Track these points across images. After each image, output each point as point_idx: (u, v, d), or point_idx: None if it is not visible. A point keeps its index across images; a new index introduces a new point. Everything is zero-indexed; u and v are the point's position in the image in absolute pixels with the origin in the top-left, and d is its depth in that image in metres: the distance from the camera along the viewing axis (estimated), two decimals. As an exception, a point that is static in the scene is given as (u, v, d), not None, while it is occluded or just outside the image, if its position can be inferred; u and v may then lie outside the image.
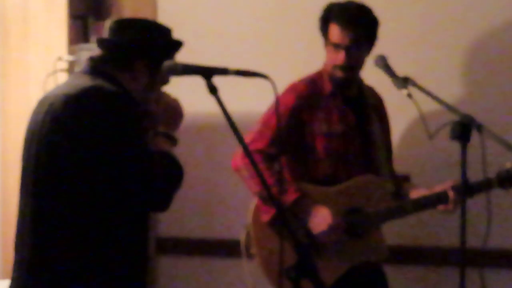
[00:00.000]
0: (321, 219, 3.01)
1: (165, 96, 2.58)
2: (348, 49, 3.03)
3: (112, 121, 2.31)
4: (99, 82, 2.38)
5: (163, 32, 2.52)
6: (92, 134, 2.28)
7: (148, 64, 2.46)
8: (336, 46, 3.04)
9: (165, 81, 2.54)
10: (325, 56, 3.12)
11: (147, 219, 2.47)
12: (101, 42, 2.51)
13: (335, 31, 3.04)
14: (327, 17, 3.08)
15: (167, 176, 2.37)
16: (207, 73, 2.25)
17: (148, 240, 2.49)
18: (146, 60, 2.46)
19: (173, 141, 2.51)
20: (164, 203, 2.39)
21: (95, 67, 2.47)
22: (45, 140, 2.35)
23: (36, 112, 2.44)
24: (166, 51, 2.50)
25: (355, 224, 3.07)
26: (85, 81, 2.39)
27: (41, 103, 2.45)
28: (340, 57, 3.04)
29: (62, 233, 2.31)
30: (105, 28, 2.52)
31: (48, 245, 2.32)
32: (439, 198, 3.04)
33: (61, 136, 2.31)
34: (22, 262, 2.37)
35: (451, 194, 3.00)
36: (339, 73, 3.07)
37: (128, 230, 2.38)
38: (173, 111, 2.56)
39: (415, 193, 3.16)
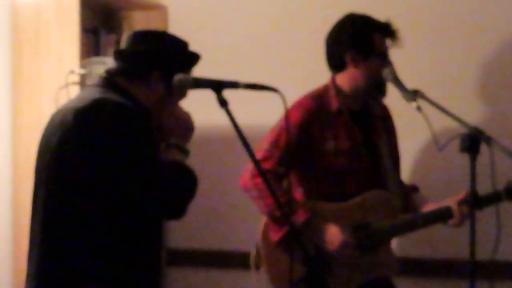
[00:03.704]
0: (331, 237, 3.00)
1: (177, 108, 2.56)
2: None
3: (121, 133, 2.29)
4: (108, 94, 2.38)
5: (180, 44, 2.51)
6: (101, 146, 2.27)
7: (164, 76, 2.43)
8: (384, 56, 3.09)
9: (183, 95, 2.52)
10: (363, 69, 3.08)
11: (160, 231, 2.47)
12: (118, 54, 2.50)
13: (382, 41, 3.09)
14: (369, 29, 3.08)
15: (181, 185, 2.37)
16: (217, 86, 2.27)
17: (161, 252, 2.48)
18: (162, 71, 2.44)
19: (185, 152, 2.50)
20: (179, 211, 2.38)
21: (107, 79, 2.46)
22: (56, 153, 2.35)
23: (48, 127, 2.45)
24: (183, 63, 2.49)
25: (363, 240, 3.07)
26: (95, 94, 2.39)
27: (53, 117, 2.46)
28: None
29: (72, 246, 2.30)
30: (122, 39, 2.52)
31: (57, 258, 2.31)
32: (447, 214, 3.05)
33: (71, 149, 2.31)
34: (32, 274, 2.37)
35: (455, 209, 3.02)
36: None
37: (141, 242, 2.38)
38: (185, 124, 2.54)
39: (424, 208, 3.15)
